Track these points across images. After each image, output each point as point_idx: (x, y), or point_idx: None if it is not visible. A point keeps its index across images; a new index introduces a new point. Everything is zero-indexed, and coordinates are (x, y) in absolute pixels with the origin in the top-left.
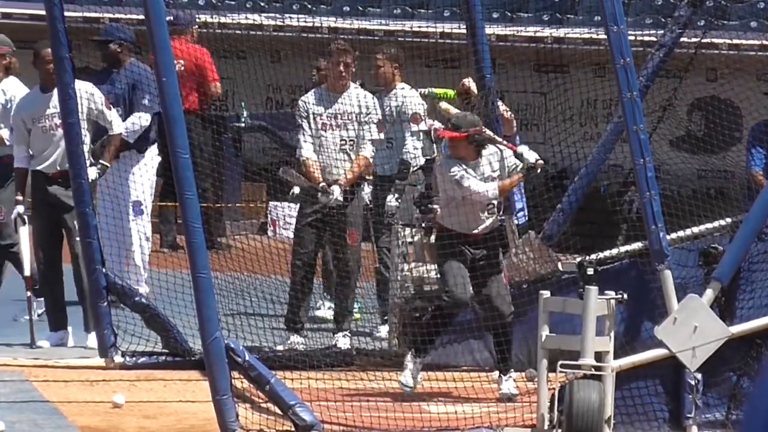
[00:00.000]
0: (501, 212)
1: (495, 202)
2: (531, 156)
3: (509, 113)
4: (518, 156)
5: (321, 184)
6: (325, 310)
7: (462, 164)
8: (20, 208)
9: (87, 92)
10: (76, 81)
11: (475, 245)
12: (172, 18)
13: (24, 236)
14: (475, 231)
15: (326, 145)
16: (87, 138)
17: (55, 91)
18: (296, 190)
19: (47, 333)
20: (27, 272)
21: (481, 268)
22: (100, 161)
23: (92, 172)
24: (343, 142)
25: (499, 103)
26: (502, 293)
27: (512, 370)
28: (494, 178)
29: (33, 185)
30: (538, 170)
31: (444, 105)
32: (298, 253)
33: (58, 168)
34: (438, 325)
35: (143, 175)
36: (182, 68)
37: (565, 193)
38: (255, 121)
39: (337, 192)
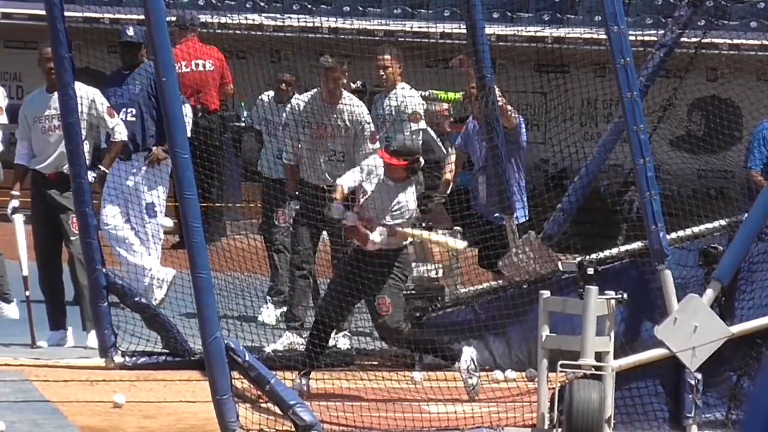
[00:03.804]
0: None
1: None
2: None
3: (506, 104)
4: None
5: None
6: (271, 313)
7: (385, 185)
8: (15, 203)
9: (88, 98)
10: (81, 85)
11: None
12: (182, 17)
13: (20, 234)
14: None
15: (313, 153)
16: (86, 144)
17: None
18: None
19: (47, 333)
20: (25, 272)
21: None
22: (99, 166)
23: (89, 177)
24: (332, 153)
25: (499, 95)
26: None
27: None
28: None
29: (32, 184)
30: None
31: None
32: (296, 252)
33: (55, 169)
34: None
35: (156, 176)
36: (212, 68)
37: (565, 193)
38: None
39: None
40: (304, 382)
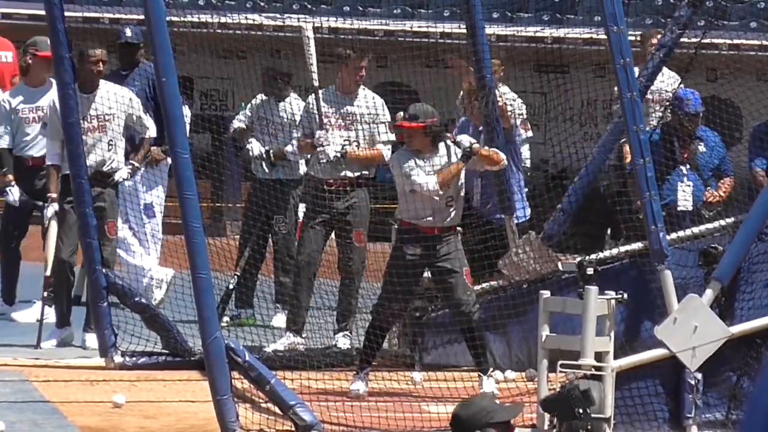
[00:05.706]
0: (461, 205)
1: (453, 194)
2: (465, 141)
3: (506, 104)
4: (456, 143)
5: (316, 137)
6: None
7: (414, 157)
8: (56, 206)
9: (125, 98)
10: (114, 86)
11: (433, 241)
12: None
13: (52, 236)
14: (429, 220)
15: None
16: (122, 143)
17: (96, 93)
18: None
19: (51, 331)
20: (48, 272)
21: (440, 266)
22: (130, 161)
23: (123, 173)
24: (347, 142)
25: (498, 96)
26: (465, 292)
27: (491, 369)
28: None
29: (62, 188)
30: (475, 154)
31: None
32: (301, 253)
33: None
34: None
35: (154, 176)
36: (11, 60)
37: (565, 193)
38: None
39: (330, 149)
40: (362, 385)
